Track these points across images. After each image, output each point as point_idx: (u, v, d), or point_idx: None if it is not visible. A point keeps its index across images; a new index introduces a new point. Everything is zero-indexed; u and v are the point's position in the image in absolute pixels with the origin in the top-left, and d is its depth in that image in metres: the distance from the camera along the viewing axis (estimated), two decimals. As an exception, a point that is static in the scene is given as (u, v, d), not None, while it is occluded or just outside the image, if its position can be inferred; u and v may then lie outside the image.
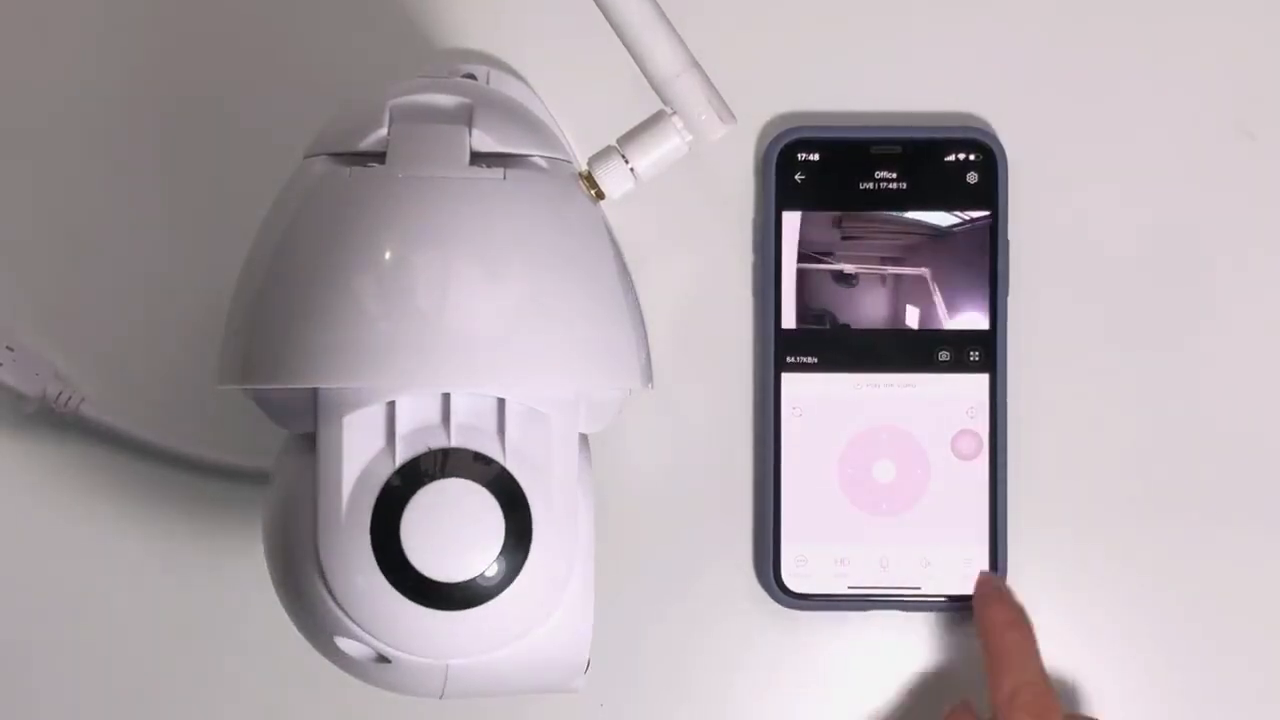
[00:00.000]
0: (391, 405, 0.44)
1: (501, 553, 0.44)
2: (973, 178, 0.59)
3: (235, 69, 0.60)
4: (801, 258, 0.58)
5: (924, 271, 0.58)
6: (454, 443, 0.44)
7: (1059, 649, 0.57)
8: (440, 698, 0.46)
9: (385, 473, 0.44)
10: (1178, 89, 0.60)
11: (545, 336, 0.45)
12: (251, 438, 0.55)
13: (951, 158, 0.59)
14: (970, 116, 0.59)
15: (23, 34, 0.60)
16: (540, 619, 0.45)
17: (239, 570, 0.58)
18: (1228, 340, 0.59)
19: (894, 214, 0.58)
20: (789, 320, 0.58)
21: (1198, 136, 0.60)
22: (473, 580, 0.44)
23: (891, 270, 0.58)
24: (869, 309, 0.58)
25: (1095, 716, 0.58)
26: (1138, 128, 0.60)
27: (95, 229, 0.60)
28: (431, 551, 0.43)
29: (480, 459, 0.44)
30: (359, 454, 0.44)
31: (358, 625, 0.45)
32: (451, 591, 0.43)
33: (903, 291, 0.58)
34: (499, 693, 0.48)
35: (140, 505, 0.59)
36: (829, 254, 0.58)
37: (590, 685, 0.48)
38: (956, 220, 0.58)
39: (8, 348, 0.58)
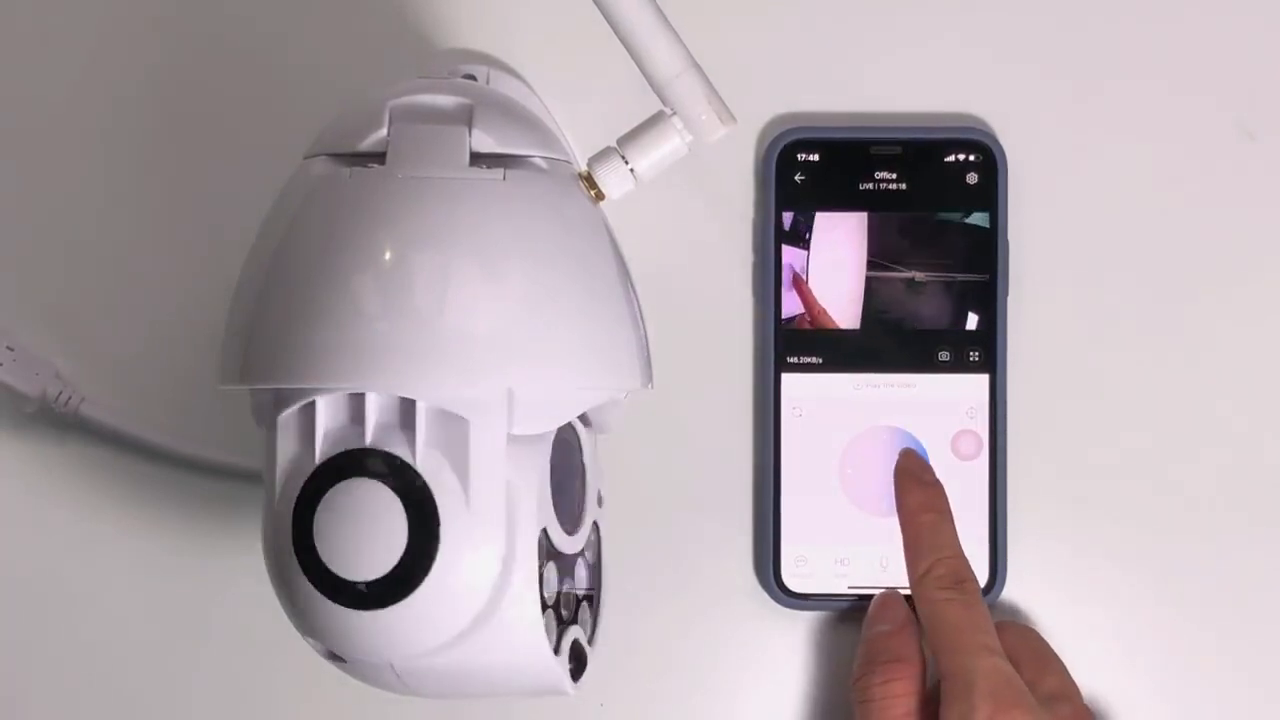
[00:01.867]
0: (312, 405, 0.44)
1: (406, 552, 0.44)
2: (973, 178, 0.59)
3: (235, 70, 0.60)
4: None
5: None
6: (369, 443, 0.44)
7: (1059, 649, 0.57)
8: (418, 695, 0.47)
9: (306, 473, 0.44)
10: (1178, 89, 0.59)
11: (545, 337, 0.45)
12: (251, 438, 0.55)
13: (951, 158, 0.59)
14: (970, 116, 0.59)
15: (23, 35, 0.60)
16: (463, 620, 0.45)
17: (239, 570, 0.58)
18: (1228, 340, 0.59)
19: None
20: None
21: (1198, 136, 0.60)
22: (381, 579, 0.44)
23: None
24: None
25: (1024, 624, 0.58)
26: (1138, 128, 0.60)
27: (96, 230, 0.60)
28: (339, 550, 0.44)
29: (391, 459, 0.44)
30: (287, 455, 0.45)
31: (295, 624, 0.45)
32: (362, 590, 0.44)
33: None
34: (476, 694, 0.48)
35: (140, 505, 0.59)
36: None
37: (590, 685, 0.48)
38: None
39: (8, 348, 0.58)
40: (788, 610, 0.59)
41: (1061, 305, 0.59)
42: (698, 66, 0.46)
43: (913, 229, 0.58)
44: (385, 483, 0.44)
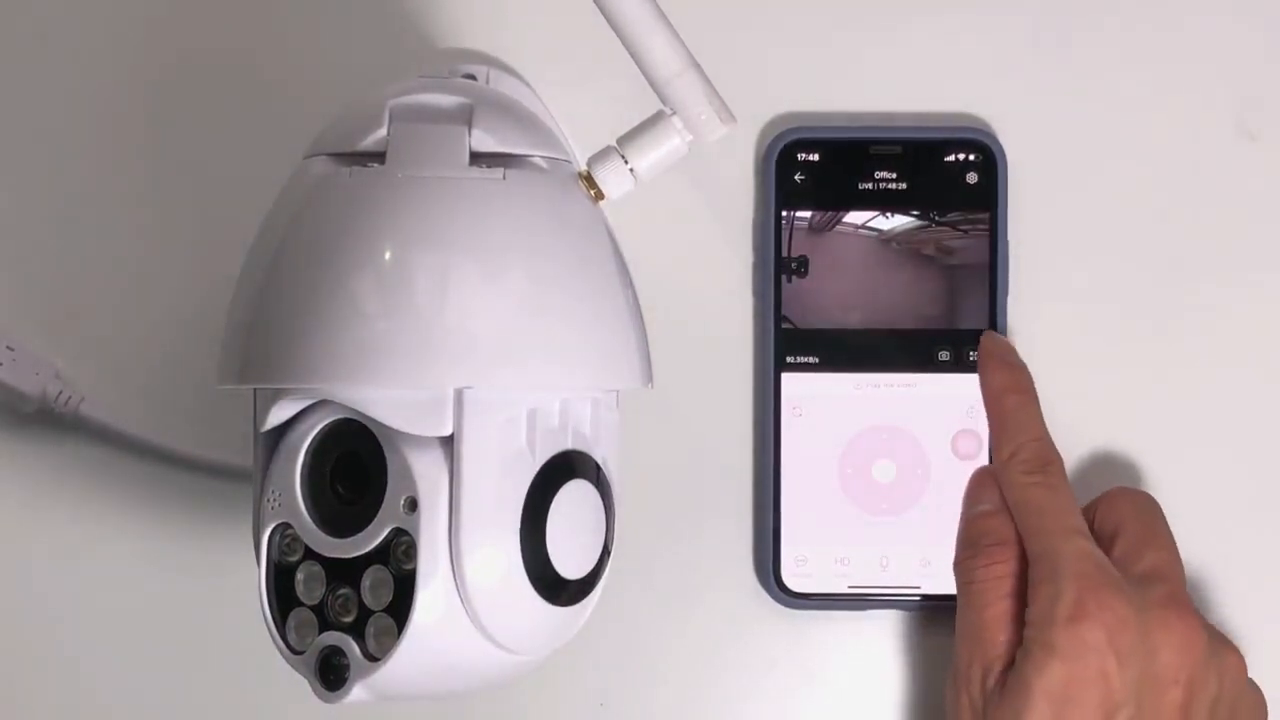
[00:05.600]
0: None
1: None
2: (973, 178, 0.59)
3: (235, 69, 0.60)
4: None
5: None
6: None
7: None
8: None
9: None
10: (1178, 89, 0.60)
11: (545, 337, 0.45)
12: (251, 438, 0.55)
13: (951, 158, 0.59)
14: (970, 116, 0.59)
15: (23, 35, 0.60)
16: None
17: (238, 570, 0.58)
18: (1228, 340, 0.59)
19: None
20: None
21: (1198, 136, 0.60)
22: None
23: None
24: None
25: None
26: (1138, 128, 0.60)
27: (94, 229, 0.60)
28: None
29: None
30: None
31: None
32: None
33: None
34: (434, 692, 0.48)
35: (139, 505, 0.59)
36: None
37: (590, 685, 0.48)
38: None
39: (8, 348, 0.58)
40: (788, 610, 0.59)
41: (1061, 305, 0.59)
42: (698, 66, 0.46)
43: (912, 228, 0.58)
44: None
